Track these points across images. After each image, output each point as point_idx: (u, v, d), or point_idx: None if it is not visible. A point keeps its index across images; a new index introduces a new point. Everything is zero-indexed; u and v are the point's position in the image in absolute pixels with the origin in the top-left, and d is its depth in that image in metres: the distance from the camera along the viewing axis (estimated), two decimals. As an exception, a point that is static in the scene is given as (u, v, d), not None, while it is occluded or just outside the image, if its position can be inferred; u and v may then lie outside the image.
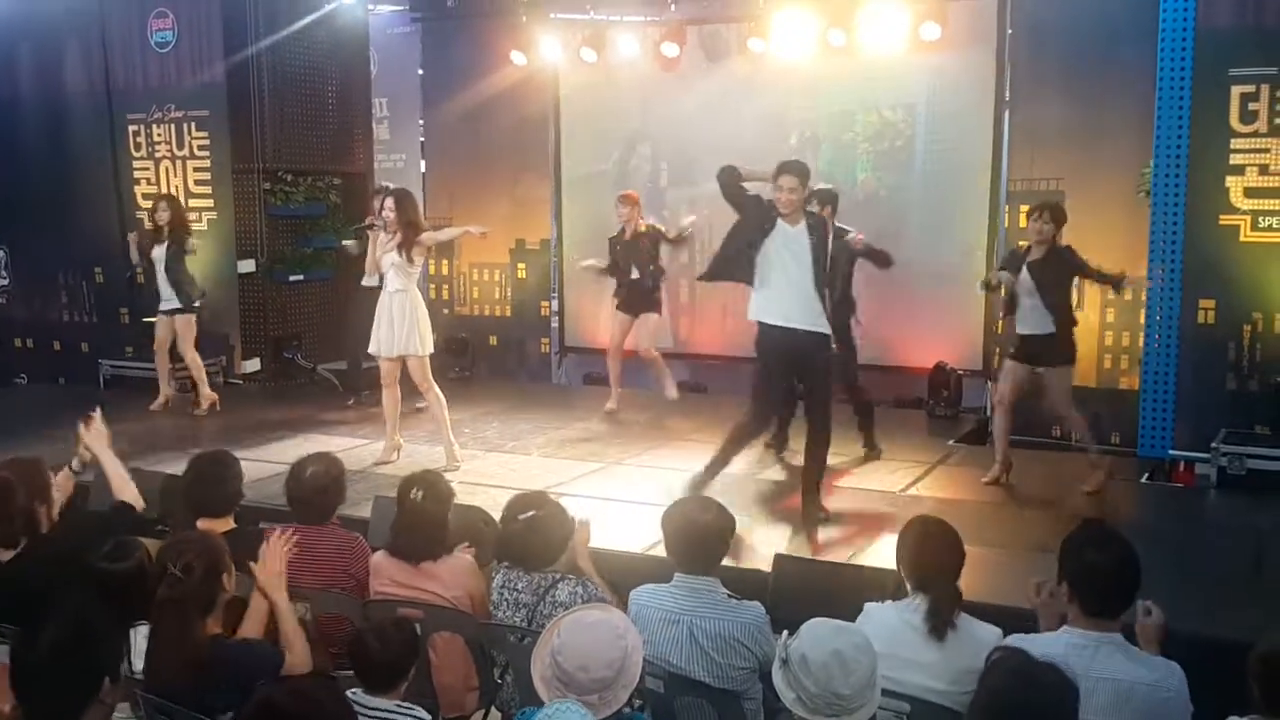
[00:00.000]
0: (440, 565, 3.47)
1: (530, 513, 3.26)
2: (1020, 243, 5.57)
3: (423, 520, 3.45)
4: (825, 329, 4.80)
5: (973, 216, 7.71)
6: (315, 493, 3.60)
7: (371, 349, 6.00)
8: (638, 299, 7.24)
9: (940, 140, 7.76)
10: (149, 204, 7.85)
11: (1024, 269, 5.32)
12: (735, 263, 4.80)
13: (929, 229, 7.68)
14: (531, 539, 3.24)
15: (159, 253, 7.41)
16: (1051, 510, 5.32)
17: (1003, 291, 5.40)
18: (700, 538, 3.12)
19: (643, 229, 7.13)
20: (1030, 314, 5.32)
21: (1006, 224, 7.44)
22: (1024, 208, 7.25)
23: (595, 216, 9.06)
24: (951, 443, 6.71)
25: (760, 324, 4.81)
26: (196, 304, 7.56)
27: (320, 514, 3.63)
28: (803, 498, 4.94)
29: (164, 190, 8.70)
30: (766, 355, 4.83)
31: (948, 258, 7.80)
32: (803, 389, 4.98)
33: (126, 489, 3.64)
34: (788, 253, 4.78)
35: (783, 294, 4.77)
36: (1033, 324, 5.33)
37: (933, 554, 2.97)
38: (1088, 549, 2.66)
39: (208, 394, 7.60)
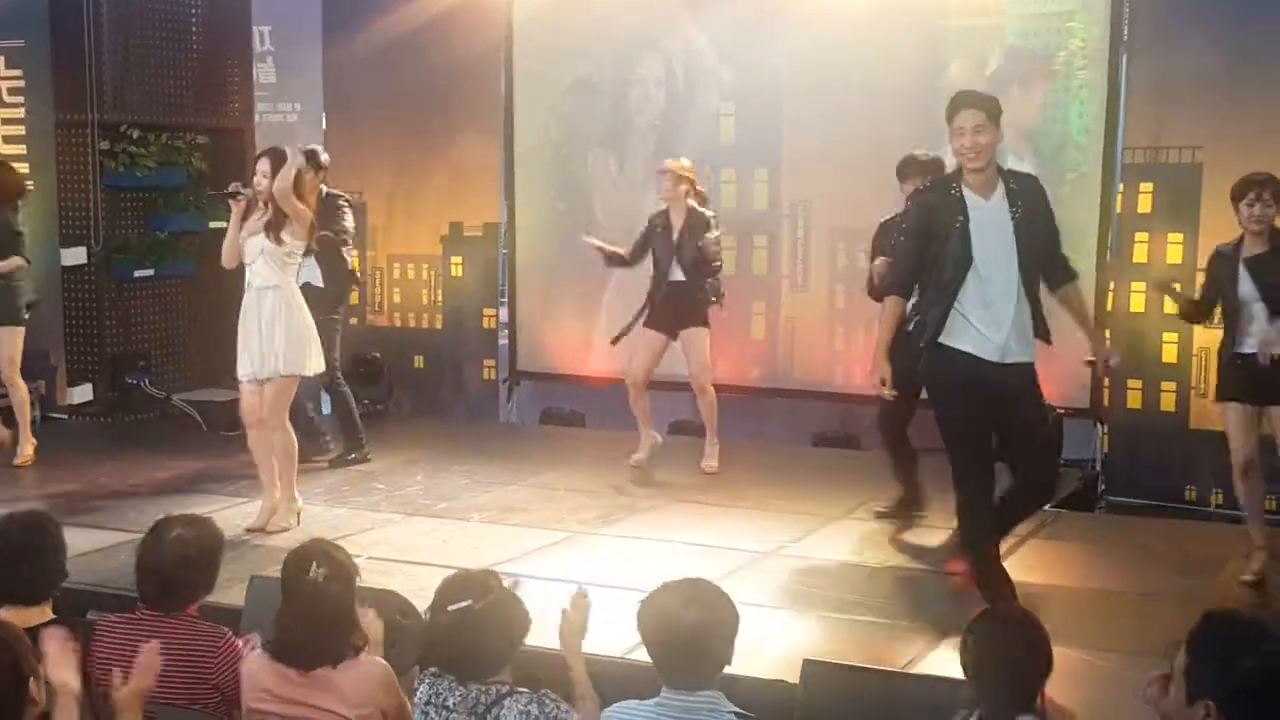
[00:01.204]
0: (341, 673, 3.48)
1: (466, 602, 3.25)
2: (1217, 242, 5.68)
3: (321, 609, 3.46)
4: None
5: (1077, 197, 7.80)
6: (178, 565, 3.61)
7: (241, 372, 6.13)
8: (679, 310, 7.24)
9: (1029, 98, 7.83)
10: None
11: (1240, 270, 5.42)
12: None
13: None
14: (469, 638, 3.25)
15: None
16: (1189, 604, 5.27)
17: (1176, 294, 5.60)
18: (687, 643, 3.14)
19: (693, 210, 7.17)
20: (1256, 328, 5.41)
21: (1120, 207, 7.52)
22: (1145, 186, 7.34)
23: (562, 194, 9.18)
24: (1048, 507, 6.63)
25: (953, 351, 4.90)
26: (24, 314, 7.62)
27: (180, 597, 3.65)
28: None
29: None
30: (960, 395, 4.93)
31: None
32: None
33: None
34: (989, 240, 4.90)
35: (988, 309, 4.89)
36: (1259, 343, 5.42)
37: (1008, 659, 3.01)
38: (1239, 653, 2.59)
39: (30, 438, 7.66)
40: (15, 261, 7.44)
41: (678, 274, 7.18)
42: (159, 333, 9.36)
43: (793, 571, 5.70)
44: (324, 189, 7.22)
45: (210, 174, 9.38)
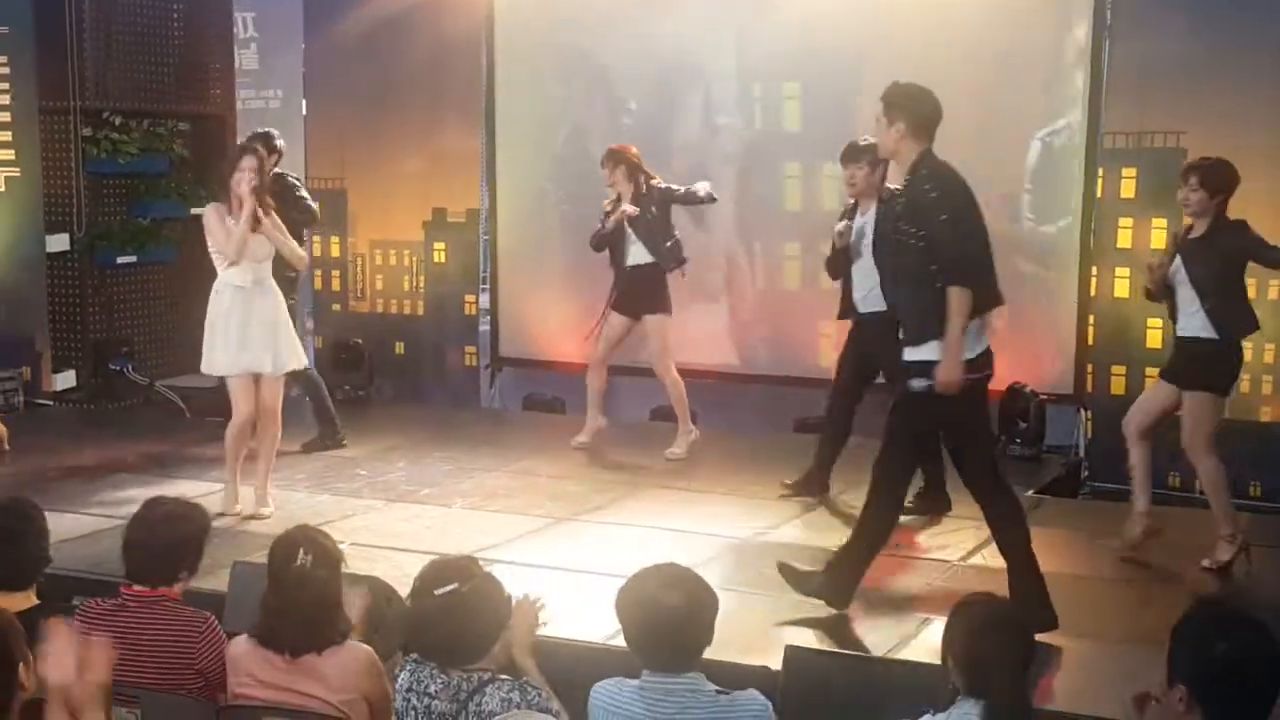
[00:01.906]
0: (326, 659, 3.49)
1: (451, 586, 3.25)
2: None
3: (307, 596, 3.47)
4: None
5: (1058, 184, 7.76)
6: (168, 546, 3.65)
7: (231, 366, 6.21)
8: (641, 295, 7.24)
9: (1007, 80, 7.75)
10: None
11: (1178, 252, 5.53)
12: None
13: (997, 201, 7.44)
14: (452, 624, 3.25)
15: None
16: (1163, 589, 5.39)
17: (1150, 278, 5.62)
18: (668, 625, 3.17)
19: (645, 190, 7.19)
20: (1184, 312, 5.55)
21: (1102, 192, 7.52)
22: (1128, 171, 7.35)
23: (546, 179, 9.18)
24: (1031, 493, 6.75)
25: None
26: None
27: (166, 573, 3.67)
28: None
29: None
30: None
31: (1023, 241, 7.88)
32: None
33: None
34: None
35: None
36: (1187, 325, 5.54)
37: (991, 645, 3.03)
38: (1213, 639, 2.68)
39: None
40: None
41: (640, 256, 7.20)
42: (141, 319, 9.38)
43: (773, 558, 5.61)
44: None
45: (192, 160, 9.46)
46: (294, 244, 6.32)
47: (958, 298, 4.57)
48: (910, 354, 4.74)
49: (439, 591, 3.25)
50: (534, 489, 6.83)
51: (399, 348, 9.55)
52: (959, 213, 4.71)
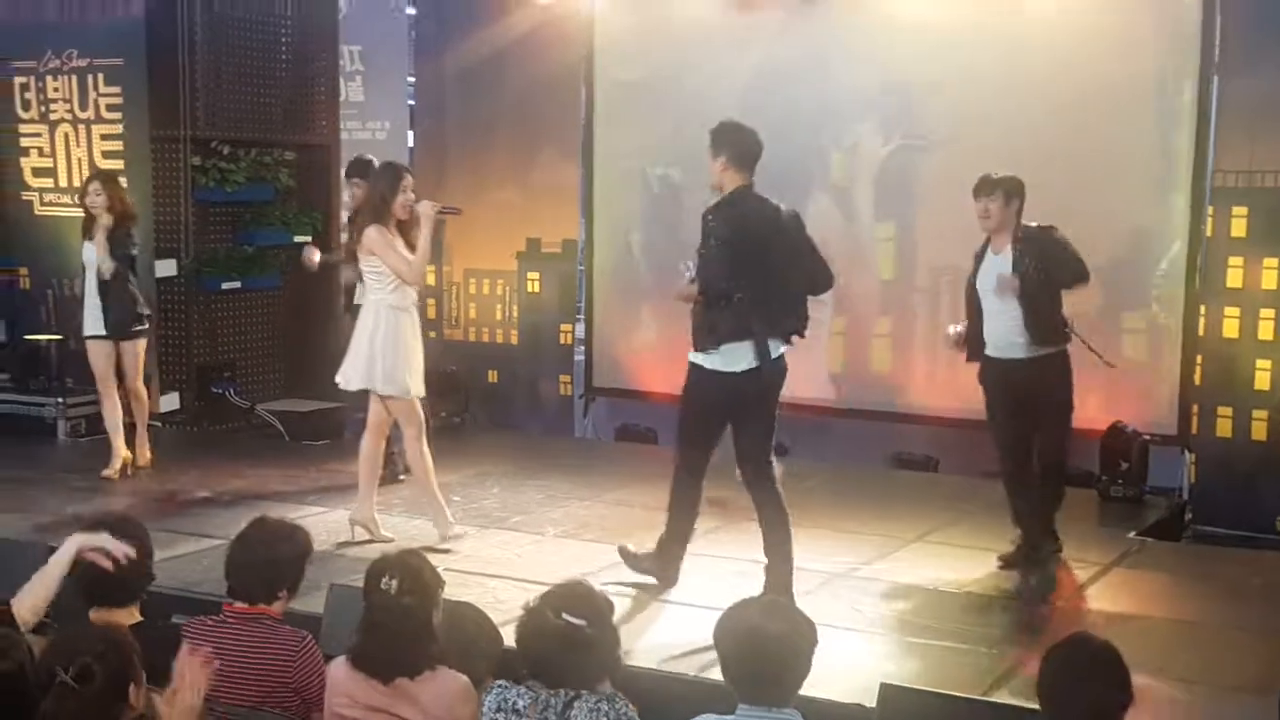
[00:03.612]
0: (423, 685, 3.50)
1: (581, 622, 3.23)
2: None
3: (399, 620, 3.49)
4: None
5: (1166, 221, 7.67)
6: (269, 564, 3.71)
7: (410, 386, 6.18)
8: None
9: (1114, 118, 7.72)
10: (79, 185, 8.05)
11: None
12: None
13: (1101, 238, 7.36)
14: (577, 657, 3.23)
15: (89, 253, 7.53)
16: (1272, 637, 5.26)
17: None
18: (769, 655, 3.15)
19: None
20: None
21: (1211, 231, 7.41)
22: (1239, 210, 7.23)
23: (641, 212, 9.24)
24: (1133, 535, 6.68)
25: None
26: (145, 324, 7.69)
27: (266, 592, 3.72)
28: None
29: (73, 167, 8.94)
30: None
31: (1127, 276, 7.76)
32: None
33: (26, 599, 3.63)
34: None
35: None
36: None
37: (1085, 689, 2.99)
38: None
39: (123, 451, 7.66)
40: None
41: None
42: (244, 344, 9.38)
43: (867, 594, 5.66)
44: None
45: (297, 190, 9.48)
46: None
47: (689, 290, 5.21)
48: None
49: (567, 617, 3.23)
50: (627, 519, 6.77)
51: (492, 376, 9.64)
52: (734, 240, 5.21)
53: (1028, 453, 5.95)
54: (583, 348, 9.42)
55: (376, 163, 6.87)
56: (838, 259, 8.07)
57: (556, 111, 9.32)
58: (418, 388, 6.13)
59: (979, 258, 6.03)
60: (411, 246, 6.07)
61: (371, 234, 5.95)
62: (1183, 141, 7.56)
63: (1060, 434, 5.94)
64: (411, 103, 9.82)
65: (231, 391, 9.15)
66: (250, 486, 7.38)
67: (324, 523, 6.48)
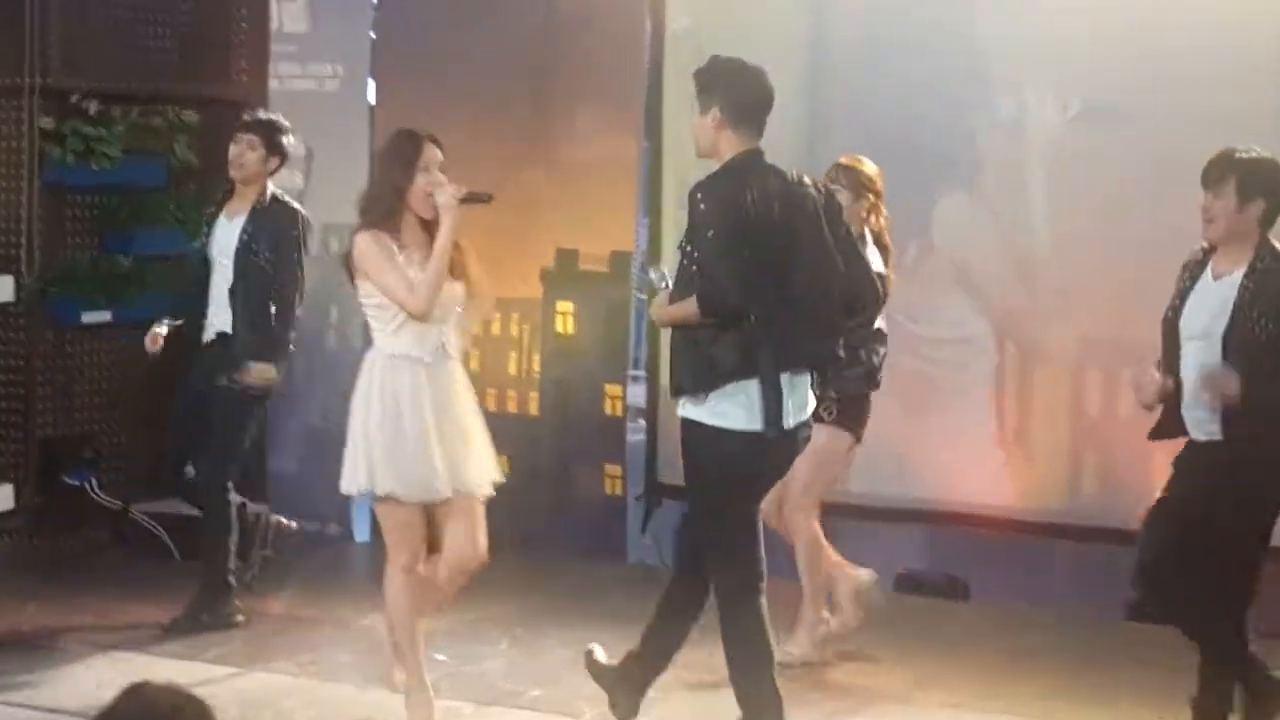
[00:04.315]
0: None
1: None
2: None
3: None
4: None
5: None
6: None
7: (425, 490, 5.33)
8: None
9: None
10: None
11: None
12: None
13: None
14: None
15: None
16: None
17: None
18: None
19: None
20: None
21: None
22: None
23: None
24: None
25: None
26: None
27: None
28: None
29: None
30: None
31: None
32: None
33: None
34: None
35: None
36: None
37: None
38: None
39: None
40: None
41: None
42: (115, 409, 7.96)
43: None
44: (269, 189, 6.44)
45: (200, 168, 7.86)
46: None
47: (684, 311, 4.68)
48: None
49: None
50: (707, 693, 5.56)
51: (503, 464, 8.06)
52: (739, 231, 4.63)
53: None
54: (642, 421, 7.94)
55: (288, 136, 6.32)
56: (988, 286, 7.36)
57: (605, 56, 7.68)
58: (365, 481, 5.26)
59: (1189, 277, 5.18)
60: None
61: (362, 243, 5.21)
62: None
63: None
64: (372, 36, 8.10)
65: (94, 483, 7.78)
66: (121, 632, 6.62)
67: (235, 690, 5.87)
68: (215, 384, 6.32)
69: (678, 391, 4.75)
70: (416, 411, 5.15)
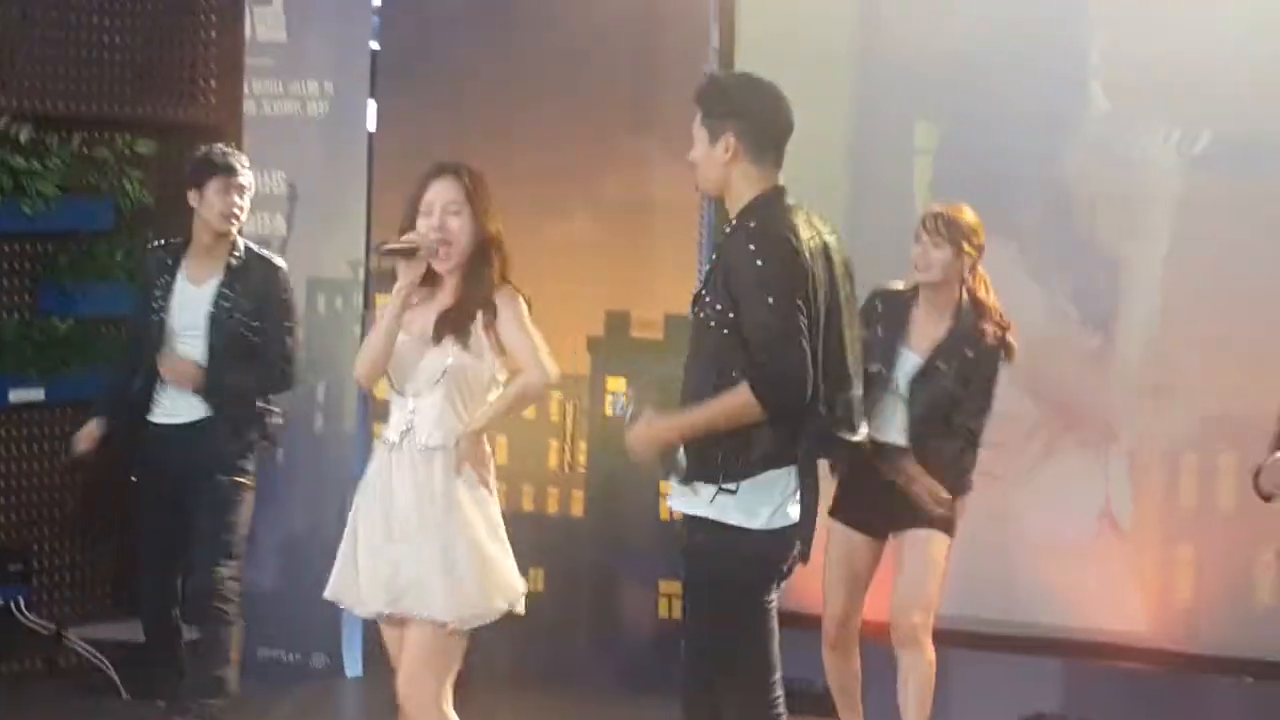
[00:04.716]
0: None
1: None
2: None
3: None
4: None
5: None
6: None
7: (376, 603, 4.74)
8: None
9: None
10: None
11: None
12: None
13: None
14: None
15: None
16: None
17: None
18: None
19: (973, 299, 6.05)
20: None
21: None
22: None
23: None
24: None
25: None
26: None
27: None
28: None
29: None
30: None
31: None
32: None
33: None
34: None
35: None
36: None
37: None
38: None
39: None
40: None
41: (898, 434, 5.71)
42: (49, 513, 7.18)
43: None
44: (239, 240, 5.74)
45: (156, 209, 7.15)
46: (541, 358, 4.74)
47: (718, 412, 4.09)
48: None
49: None
50: None
51: (536, 578, 6.99)
52: (796, 286, 4.02)
53: None
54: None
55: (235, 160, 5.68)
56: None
57: (663, 69, 6.89)
58: (340, 589, 4.79)
59: None
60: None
61: (508, 300, 4.78)
62: None
63: None
64: (376, 46, 7.13)
65: (22, 604, 7.14)
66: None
67: None
68: (196, 480, 5.51)
69: (695, 478, 4.11)
70: (365, 503, 4.70)
